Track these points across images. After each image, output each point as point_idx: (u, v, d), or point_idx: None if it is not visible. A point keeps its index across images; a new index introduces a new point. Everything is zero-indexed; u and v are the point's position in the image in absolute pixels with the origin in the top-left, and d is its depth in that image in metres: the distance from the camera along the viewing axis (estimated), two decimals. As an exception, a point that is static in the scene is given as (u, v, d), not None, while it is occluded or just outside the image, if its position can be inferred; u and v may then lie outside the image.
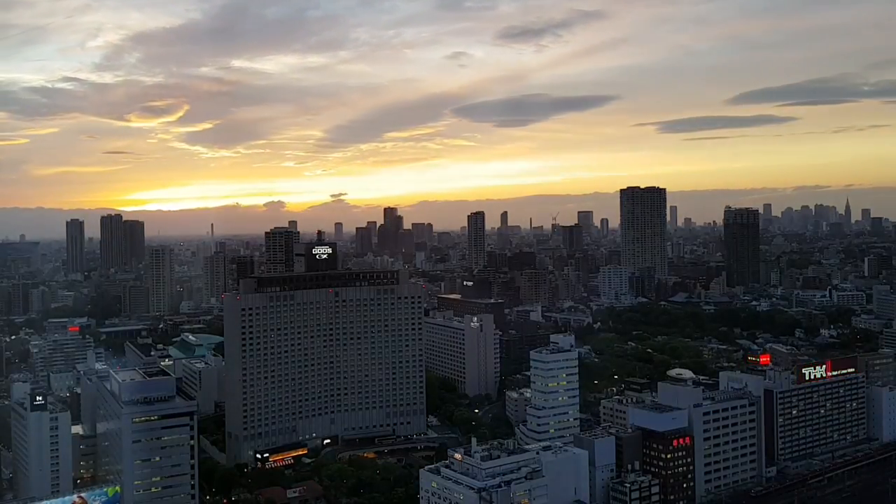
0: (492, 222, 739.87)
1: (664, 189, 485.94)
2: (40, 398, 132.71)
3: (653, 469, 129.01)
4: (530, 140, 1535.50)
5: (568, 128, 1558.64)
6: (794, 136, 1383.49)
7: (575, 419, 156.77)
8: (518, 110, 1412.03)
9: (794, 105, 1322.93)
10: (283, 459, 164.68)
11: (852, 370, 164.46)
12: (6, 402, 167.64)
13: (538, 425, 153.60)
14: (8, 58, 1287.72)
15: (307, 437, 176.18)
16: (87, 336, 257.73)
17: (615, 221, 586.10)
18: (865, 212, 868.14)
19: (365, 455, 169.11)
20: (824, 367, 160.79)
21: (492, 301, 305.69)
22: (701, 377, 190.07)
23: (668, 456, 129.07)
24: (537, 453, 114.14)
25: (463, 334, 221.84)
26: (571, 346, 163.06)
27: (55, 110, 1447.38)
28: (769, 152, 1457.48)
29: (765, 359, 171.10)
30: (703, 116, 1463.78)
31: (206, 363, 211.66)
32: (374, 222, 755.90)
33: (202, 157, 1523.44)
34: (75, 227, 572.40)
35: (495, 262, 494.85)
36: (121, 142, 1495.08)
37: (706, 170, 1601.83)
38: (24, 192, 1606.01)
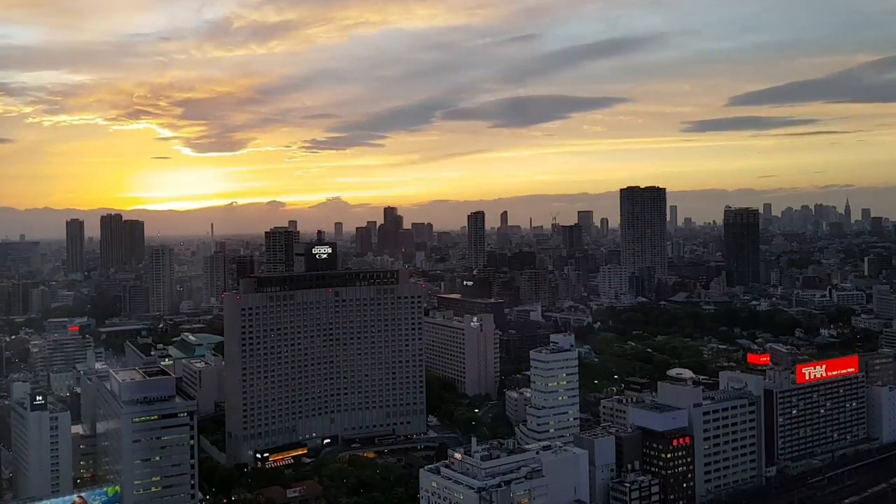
0: (492, 222, 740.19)
1: (664, 189, 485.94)
2: (40, 398, 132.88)
3: (653, 469, 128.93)
4: (533, 139, 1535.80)
5: (573, 127, 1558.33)
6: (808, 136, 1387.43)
7: (575, 419, 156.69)
8: (520, 110, 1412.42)
9: (808, 105, 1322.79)
10: (282, 459, 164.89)
11: (852, 370, 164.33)
12: (6, 402, 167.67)
13: (538, 425, 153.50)
14: (113, 31, 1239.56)
15: (307, 436, 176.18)
16: (87, 336, 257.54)
17: (615, 221, 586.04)
18: (865, 212, 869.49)
19: (365, 455, 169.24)
20: (824, 366, 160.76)
21: (492, 301, 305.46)
22: (701, 377, 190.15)
23: (668, 456, 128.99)
24: (537, 453, 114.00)
25: (463, 334, 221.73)
26: (571, 346, 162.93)
27: (91, 92, 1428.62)
28: (780, 151, 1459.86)
29: (764, 358, 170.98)
30: (711, 119, 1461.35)
31: (206, 363, 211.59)
32: (374, 222, 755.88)
33: (204, 156, 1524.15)
34: (75, 227, 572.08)
35: (495, 261, 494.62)
36: (125, 139, 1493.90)
37: (709, 170, 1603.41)
38: (25, 191, 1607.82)
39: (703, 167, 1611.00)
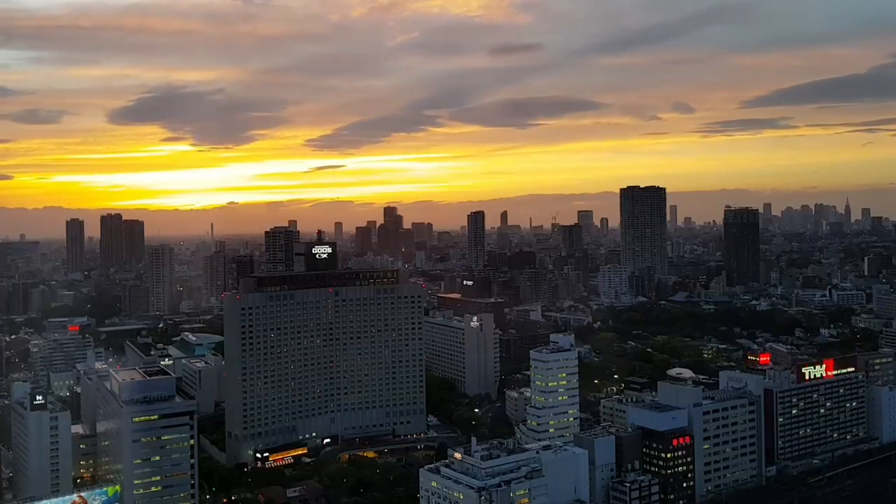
0: (492, 222, 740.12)
1: (664, 189, 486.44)
2: (40, 398, 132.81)
3: (653, 468, 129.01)
4: (532, 139, 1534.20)
5: (574, 127, 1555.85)
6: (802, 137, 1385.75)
7: (575, 418, 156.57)
8: (520, 110, 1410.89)
9: (804, 107, 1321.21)
10: (283, 459, 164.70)
11: (852, 370, 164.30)
12: (6, 402, 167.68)
13: (538, 424, 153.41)
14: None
15: (307, 436, 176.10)
16: (87, 335, 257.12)
17: (615, 221, 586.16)
18: (865, 211, 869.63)
19: (365, 454, 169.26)
20: (824, 366, 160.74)
21: (492, 301, 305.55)
22: (701, 377, 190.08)
23: (668, 455, 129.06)
24: (537, 452, 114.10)
25: (463, 334, 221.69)
26: (571, 346, 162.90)
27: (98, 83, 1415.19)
28: (780, 151, 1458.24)
29: (765, 358, 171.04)
30: (720, 121, 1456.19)
31: (205, 363, 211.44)
32: (374, 222, 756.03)
33: (204, 155, 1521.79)
34: (75, 226, 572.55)
35: (495, 261, 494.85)
36: (123, 138, 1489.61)
37: (710, 171, 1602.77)
38: (25, 192, 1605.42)
39: (707, 168, 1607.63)
